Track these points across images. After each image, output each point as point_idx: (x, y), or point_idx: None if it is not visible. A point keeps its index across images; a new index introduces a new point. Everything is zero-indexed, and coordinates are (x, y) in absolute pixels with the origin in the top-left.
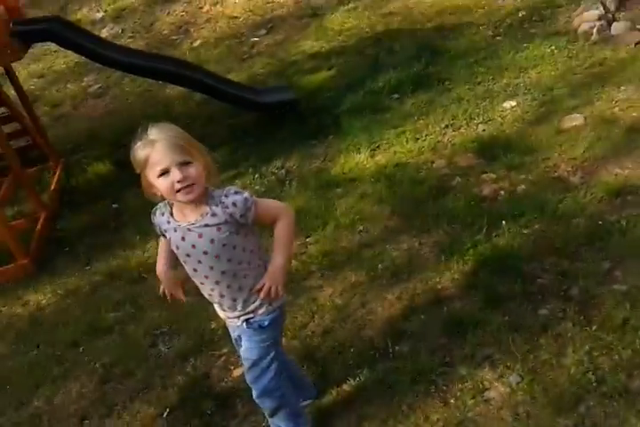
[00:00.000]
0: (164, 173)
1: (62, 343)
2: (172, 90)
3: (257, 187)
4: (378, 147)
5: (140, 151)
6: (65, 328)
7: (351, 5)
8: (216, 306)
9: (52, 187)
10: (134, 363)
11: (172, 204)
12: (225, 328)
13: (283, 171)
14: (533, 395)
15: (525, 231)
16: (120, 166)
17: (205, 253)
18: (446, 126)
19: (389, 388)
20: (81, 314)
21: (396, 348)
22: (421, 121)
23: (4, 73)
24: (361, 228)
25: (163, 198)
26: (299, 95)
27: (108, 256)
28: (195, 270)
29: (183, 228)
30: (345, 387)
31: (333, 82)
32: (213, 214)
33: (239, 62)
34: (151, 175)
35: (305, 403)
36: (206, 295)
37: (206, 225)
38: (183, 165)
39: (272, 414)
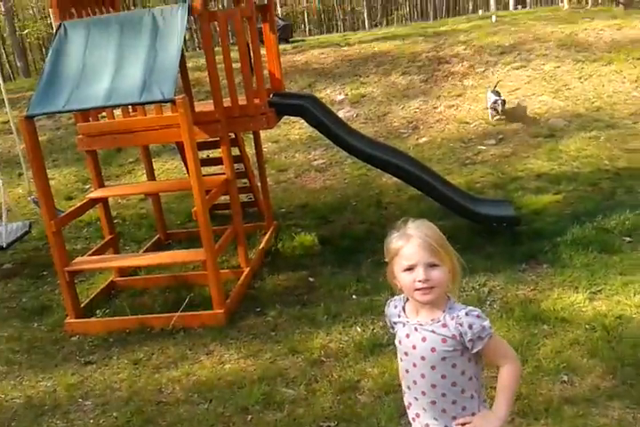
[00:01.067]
0: (410, 268)
1: (233, 406)
2: (389, 179)
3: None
4: (600, 291)
5: (394, 242)
6: (239, 391)
7: (593, 133)
8: (412, 421)
9: (261, 246)
10: None
11: (408, 299)
12: None
13: (485, 289)
14: None
15: None
16: (324, 242)
17: (423, 358)
18: None
19: None
20: (257, 381)
21: None
22: None
23: (252, 133)
24: (565, 378)
25: (401, 291)
26: (517, 213)
27: (294, 329)
28: (407, 371)
29: (411, 325)
30: None
31: (558, 208)
32: (444, 325)
33: (460, 167)
34: (397, 267)
35: None
36: (407, 402)
37: (433, 331)
38: (430, 266)
39: None
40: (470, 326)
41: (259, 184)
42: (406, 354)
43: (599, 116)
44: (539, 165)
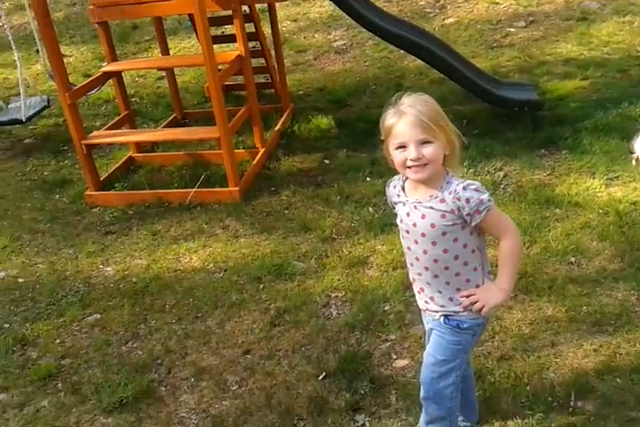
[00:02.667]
0: (402, 146)
1: (247, 275)
2: (411, 62)
3: None
4: (617, 177)
5: (388, 119)
6: (253, 262)
7: (627, 18)
8: (417, 294)
9: (277, 127)
10: (305, 316)
11: (407, 178)
12: (397, 314)
13: (500, 173)
14: None
15: None
16: (340, 125)
17: (423, 235)
18: None
19: None
20: (270, 254)
21: (579, 403)
22: None
23: (267, 10)
24: (573, 260)
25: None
26: (541, 98)
27: (307, 208)
28: (409, 249)
29: (410, 203)
30: (510, 423)
31: (584, 94)
32: (442, 200)
33: (486, 49)
34: (390, 145)
35: (463, 424)
36: (411, 278)
37: (431, 208)
38: (422, 143)
39: (429, 422)
40: (468, 200)
41: (275, 65)
42: (407, 232)
43: (635, 0)
44: (568, 49)
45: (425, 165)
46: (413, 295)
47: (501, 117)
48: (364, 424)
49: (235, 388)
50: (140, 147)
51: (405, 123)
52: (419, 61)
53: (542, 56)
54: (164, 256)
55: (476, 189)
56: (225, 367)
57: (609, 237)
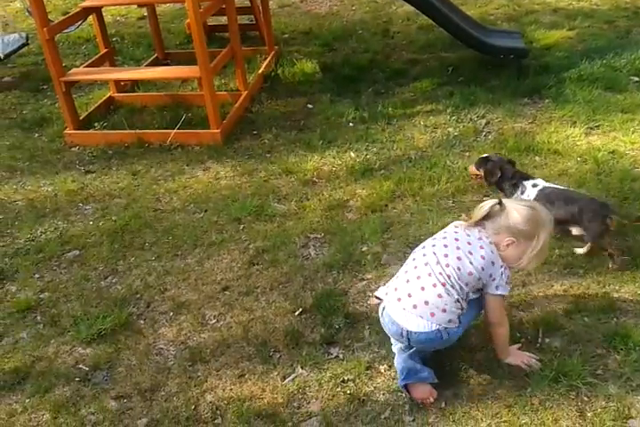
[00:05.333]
0: None
1: (227, 216)
2: (399, 8)
3: (450, 129)
4: (597, 126)
5: None
6: (233, 204)
7: None
8: None
9: (260, 71)
10: (284, 256)
11: None
12: (374, 255)
13: (483, 121)
14: None
15: None
16: (325, 70)
17: None
18: None
19: (526, 376)
20: (250, 196)
21: (547, 340)
22: None
23: None
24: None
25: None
26: (528, 47)
27: (289, 152)
28: None
29: None
30: (478, 356)
31: (570, 44)
32: None
33: None
34: None
35: None
36: None
37: None
38: None
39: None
40: None
41: (260, 6)
42: None
43: None
44: None
45: None
46: (390, 237)
47: (487, 65)
48: (337, 356)
49: (213, 322)
50: (120, 87)
51: None
52: (407, 7)
53: (531, 5)
54: (143, 196)
55: None
56: (203, 303)
57: (586, 184)
